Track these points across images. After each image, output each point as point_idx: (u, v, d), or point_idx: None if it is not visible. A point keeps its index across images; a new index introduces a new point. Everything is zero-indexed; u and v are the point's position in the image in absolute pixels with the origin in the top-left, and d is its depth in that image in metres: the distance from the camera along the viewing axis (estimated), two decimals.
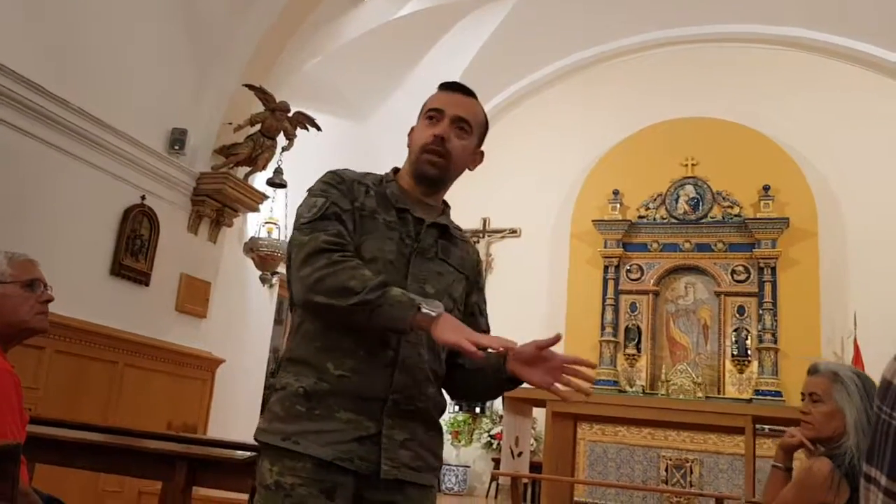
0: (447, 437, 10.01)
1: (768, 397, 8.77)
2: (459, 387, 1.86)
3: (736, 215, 9.69)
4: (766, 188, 9.58)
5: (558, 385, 1.67)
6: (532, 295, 10.19)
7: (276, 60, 7.20)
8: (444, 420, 9.96)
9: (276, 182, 7.41)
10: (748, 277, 9.49)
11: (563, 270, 10.24)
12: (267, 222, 7.67)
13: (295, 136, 7.15)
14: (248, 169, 7.08)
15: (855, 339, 8.64)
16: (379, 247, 1.71)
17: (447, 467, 9.81)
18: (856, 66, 9.65)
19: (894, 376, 0.81)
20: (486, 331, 1.86)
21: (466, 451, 10.07)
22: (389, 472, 1.61)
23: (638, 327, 9.70)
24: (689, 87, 10.18)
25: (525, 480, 8.00)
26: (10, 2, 5.09)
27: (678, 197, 10.01)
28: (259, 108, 6.90)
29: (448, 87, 1.88)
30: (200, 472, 3.13)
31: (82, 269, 5.74)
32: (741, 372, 9.24)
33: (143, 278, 6.30)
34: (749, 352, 9.26)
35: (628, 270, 9.93)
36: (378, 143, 9.00)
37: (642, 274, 9.88)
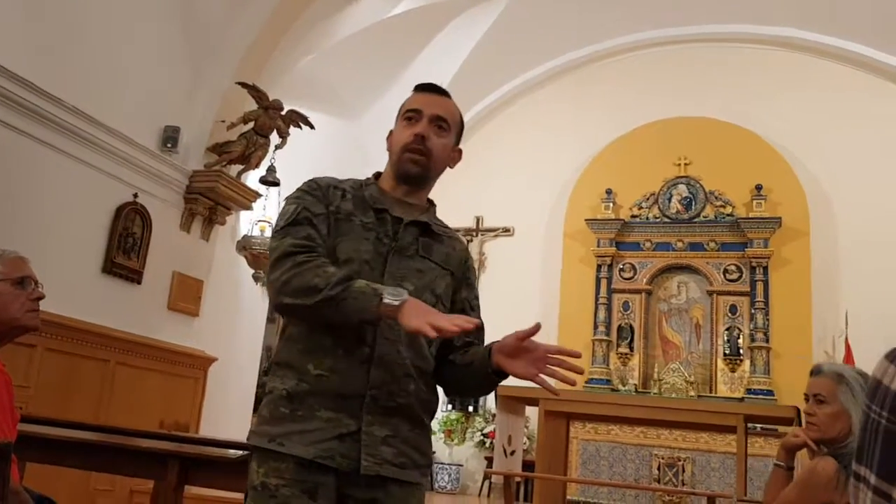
0: (440, 436, 10.01)
1: (760, 396, 8.80)
2: (450, 382, 1.87)
3: (728, 215, 9.72)
4: (759, 188, 9.61)
5: (543, 376, 1.66)
6: (525, 294, 10.19)
7: (270, 58, 7.19)
8: (437, 418, 9.96)
9: (270, 180, 7.40)
10: (740, 277, 9.52)
11: (555, 269, 10.25)
12: (260, 220, 7.66)
13: (288, 134, 7.14)
14: (241, 167, 7.07)
15: (846, 339, 8.68)
16: (354, 247, 1.75)
17: (440, 466, 9.82)
18: (847, 66, 9.68)
19: (884, 376, 0.81)
20: (481, 326, 1.86)
21: (459, 449, 10.07)
22: (370, 468, 1.63)
23: (630, 326, 9.72)
24: (682, 86, 10.20)
25: (518, 479, 8.00)
26: (5, 0, 5.08)
27: (671, 196, 10.04)
28: (252, 105, 6.89)
29: (424, 88, 1.91)
30: (192, 470, 3.13)
31: (74, 267, 5.73)
32: (733, 371, 9.27)
33: (135, 276, 6.28)
34: (741, 351, 9.29)
35: (621, 269, 9.94)
36: (371, 142, 8.98)
37: (635, 273, 9.90)
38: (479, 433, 9.92)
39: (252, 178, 7.41)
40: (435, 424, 9.97)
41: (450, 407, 10.18)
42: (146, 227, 6.37)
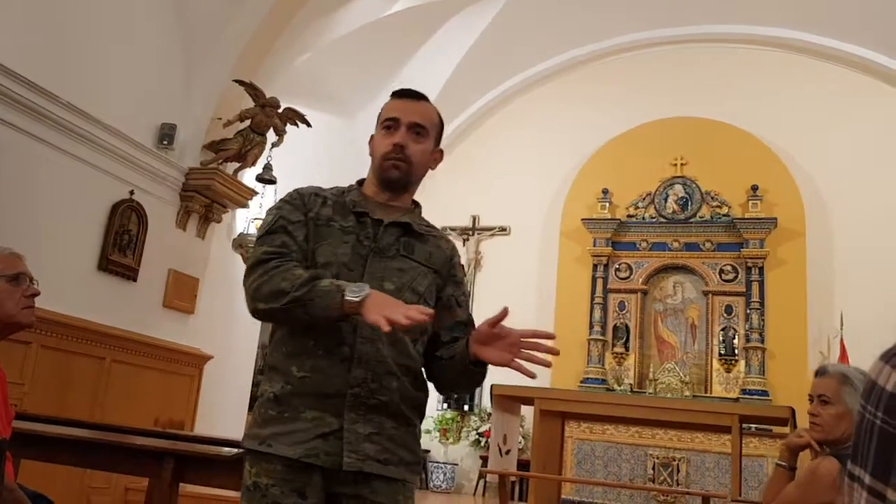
0: (435, 435, 10.01)
1: (755, 396, 8.82)
2: (438, 378, 1.90)
3: (724, 215, 9.74)
4: (755, 188, 9.63)
5: (519, 361, 1.69)
6: (521, 293, 10.19)
7: (266, 56, 7.18)
8: (433, 417, 9.97)
9: (266, 178, 7.39)
10: (736, 277, 9.54)
11: (552, 269, 10.26)
12: (256, 218, 7.65)
13: (285, 132, 7.13)
14: (238, 165, 7.06)
15: (841, 339, 8.70)
16: (333, 251, 1.80)
17: (435, 465, 9.82)
18: (843, 67, 9.71)
19: (879, 376, 0.82)
20: (467, 322, 1.89)
21: (454, 448, 10.08)
22: (353, 464, 1.67)
23: (626, 326, 9.74)
24: (679, 87, 10.22)
25: (513, 478, 8.01)
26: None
27: (667, 196, 10.05)
28: (249, 103, 6.88)
29: (400, 94, 1.95)
30: (187, 468, 3.12)
31: (69, 264, 5.71)
32: (728, 371, 9.29)
33: (130, 274, 6.27)
34: (736, 351, 9.31)
35: (617, 269, 9.96)
36: (367, 140, 8.98)
37: (631, 273, 9.91)
38: (475, 432, 9.92)
39: (248, 176, 7.40)
40: (430, 423, 9.97)
41: (445, 406, 10.19)
42: (142, 225, 6.36)
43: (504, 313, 1.69)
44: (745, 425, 6.32)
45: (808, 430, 2.48)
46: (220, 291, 7.42)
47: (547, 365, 1.69)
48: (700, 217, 9.85)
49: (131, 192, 6.24)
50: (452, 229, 10.75)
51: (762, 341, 9.18)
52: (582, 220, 10.10)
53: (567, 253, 10.23)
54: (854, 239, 9.21)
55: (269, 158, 7.28)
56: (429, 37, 9.44)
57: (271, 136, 7.08)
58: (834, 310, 9.01)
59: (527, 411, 7.78)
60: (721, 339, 9.42)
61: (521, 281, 10.30)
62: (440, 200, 10.79)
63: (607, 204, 10.13)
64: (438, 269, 1.90)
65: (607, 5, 9.78)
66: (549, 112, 10.79)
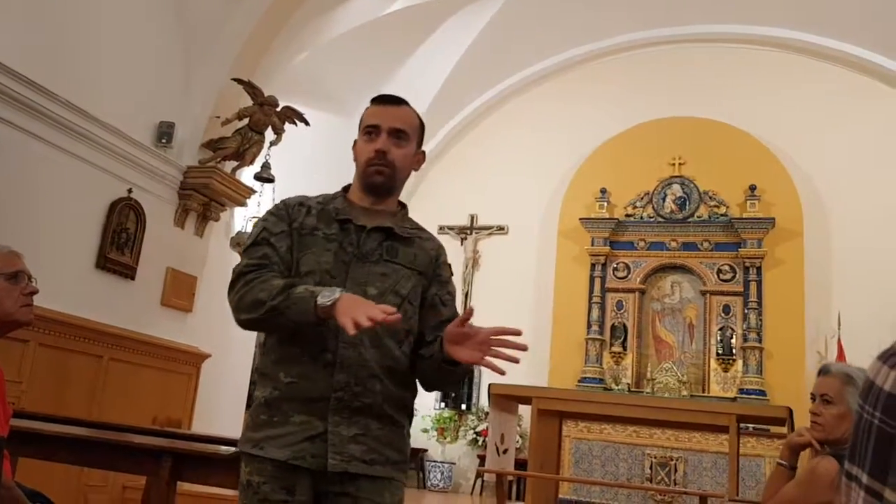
0: (433, 434, 10.02)
1: (752, 396, 8.82)
2: (420, 376, 1.94)
3: (722, 215, 9.75)
4: (753, 188, 9.63)
5: (489, 358, 1.73)
6: (519, 292, 10.21)
7: (265, 55, 7.17)
8: (430, 417, 9.97)
9: (264, 176, 7.39)
10: (734, 277, 9.55)
11: (550, 268, 10.26)
12: (254, 217, 7.65)
13: (283, 130, 7.13)
14: (236, 163, 7.05)
15: (839, 339, 8.72)
16: (316, 259, 1.86)
17: (432, 464, 9.83)
18: (841, 67, 9.72)
19: (877, 376, 0.82)
20: (451, 320, 1.89)
21: (452, 447, 10.08)
22: (337, 465, 1.75)
23: (624, 325, 9.74)
24: (677, 86, 10.22)
25: (510, 477, 8.01)
26: None
27: (665, 196, 10.06)
28: (247, 102, 6.87)
29: (379, 100, 1.99)
30: (185, 467, 3.12)
31: (67, 262, 5.71)
32: (726, 371, 9.30)
33: (128, 272, 6.27)
34: (734, 351, 9.32)
35: (615, 268, 9.96)
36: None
37: (629, 272, 9.92)
38: (472, 431, 9.93)
39: (247, 175, 7.40)
40: (428, 422, 9.98)
41: (443, 405, 10.19)
42: (140, 223, 6.35)
43: (469, 313, 1.72)
44: (742, 425, 6.32)
45: (808, 430, 2.47)
46: (218, 290, 7.37)
47: (515, 361, 1.72)
48: (698, 217, 9.86)
49: (129, 191, 6.24)
50: (450, 228, 10.76)
51: (760, 341, 9.19)
52: (580, 219, 10.10)
53: (565, 252, 10.23)
54: (852, 239, 9.23)
55: (268, 157, 7.28)
56: (427, 36, 9.44)
57: (269, 134, 7.08)
58: (831, 310, 9.02)
59: (524, 410, 7.78)
60: (719, 338, 9.43)
61: (518, 280, 10.31)
62: (438, 199, 10.81)
63: (605, 203, 10.14)
64: (423, 271, 1.95)
65: (606, 5, 9.78)
66: (547, 111, 10.80)
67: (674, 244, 9.82)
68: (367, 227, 1.90)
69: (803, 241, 9.44)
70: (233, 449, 3.05)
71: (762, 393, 8.91)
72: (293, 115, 7.15)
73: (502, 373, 1.75)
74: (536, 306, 10.11)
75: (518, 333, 1.73)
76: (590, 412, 6.70)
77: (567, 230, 10.27)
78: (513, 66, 10.67)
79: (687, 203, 9.95)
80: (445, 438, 10.08)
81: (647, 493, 7.80)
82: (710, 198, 9.87)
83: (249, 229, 7.55)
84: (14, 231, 5.01)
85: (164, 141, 6.54)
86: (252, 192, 7.38)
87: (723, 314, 9.50)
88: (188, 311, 6.96)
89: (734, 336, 9.36)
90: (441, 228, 10.63)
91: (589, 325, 9.76)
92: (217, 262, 7.33)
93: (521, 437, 8.78)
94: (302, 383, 1.78)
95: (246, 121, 6.88)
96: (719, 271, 9.62)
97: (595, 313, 9.77)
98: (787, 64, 9.94)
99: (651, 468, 7.78)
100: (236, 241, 7.46)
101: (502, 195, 10.72)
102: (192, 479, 3.27)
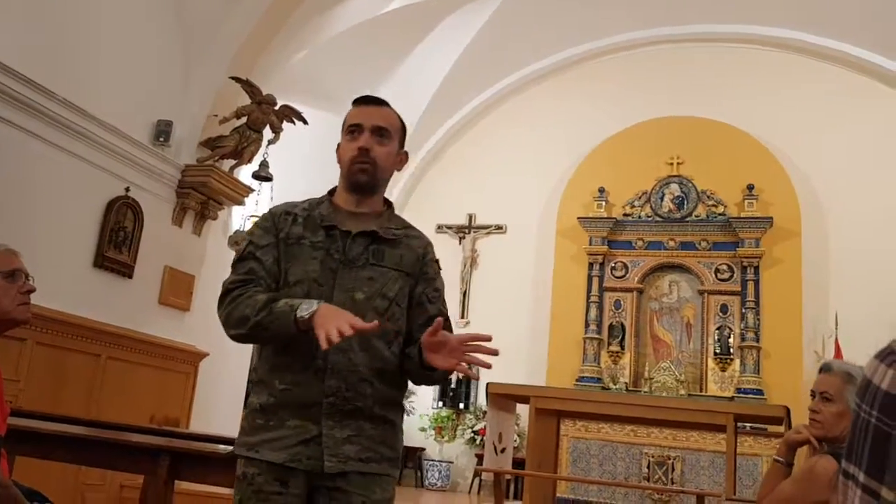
0: (431, 433, 10.02)
1: (750, 395, 8.83)
2: (408, 374, 1.97)
3: (720, 214, 9.75)
4: (751, 188, 9.64)
5: (463, 364, 1.80)
6: (517, 291, 10.21)
7: (263, 54, 7.17)
8: (428, 416, 9.98)
9: (262, 175, 7.38)
10: (731, 276, 9.55)
11: (548, 267, 10.26)
12: (252, 216, 7.65)
13: (281, 129, 7.12)
14: (234, 162, 7.05)
15: (836, 339, 8.73)
16: (303, 268, 1.90)
17: (430, 462, 9.83)
18: (840, 67, 9.73)
19: (874, 375, 0.82)
20: (438, 315, 1.92)
21: (450, 446, 10.08)
22: (334, 467, 1.80)
23: (622, 324, 9.74)
24: (676, 86, 10.22)
25: (508, 476, 8.02)
26: None
27: (663, 195, 10.06)
28: (245, 100, 6.87)
29: (362, 101, 2.03)
30: (183, 465, 3.12)
31: (65, 261, 5.70)
32: (723, 370, 9.30)
33: (126, 270, 6.26)
34: (731, 350, 9.33)
35: (613, 268, 9.96)
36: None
37: (627, 271, 9.92)
38: (470, 430, 9.93)
39: (245, 173, 7.39)
40: (426, 421, 9.98)
41: (441, 404, 10.19)
42: (138, 222, 6.35)
43: (438, 325, 1.77)
44: (739, 424, 6.32)
45: (807, 427, 2.47)
46: (215, 288, 7.29)
47: (487, 366, 1.81)
48: (696, 216, 9.86)
49: (127, 189, 6.23)
50: (448, 227, 10.76)
51: (757, 340, 9.19)
52: (578, 218, 10.10)
53: (563, 251, 10.23)
54: (849, 239, 9.24)
55: (266, 155, 7.27)
56: (426, 35, 9.44)
57: (268, 133, 7.07)
58: (829, 309, 9.04)
59: (522, 409, 7.79)
60: (716, 338, 9.44)
61: (517, 279, 10.31)
62: (437, 198, 10.81)
63: (603, 202, 10.14)
64: (410, 271, 1.98)
65: (604, 4, 9.79)
66: (545, 110, 10.80)
67: (672, 243, 9.82)
68: (353, 233, 1.93)
69: (801, 240, 9.45)
70: (230, 448, 3.05)
71: (759, 392, 8.92)
72: (291, 114, 7.15)
73: (475, 378, 1.84)
74: (534, 305, 10.12)
75: (488, 339, 1.79)
76: (587, 411, 6.70)
77: (565, 229, 10.27)
78: (511, 65, 10.67)
79: (685, 202, 9.96)
80: (443, 437, 10.08)
81: (644, 492, 7.81)
82: (708, 197, 9.88)
83: (247, 228, 7.55)
84: (11, 229, 5.00)
85: (162, 139, 6.53)
86: (250, 190, 7.37)
87: (720, 314, 9.51)
88: (186, 310, 6.96)
89: (732, 335, 9.37)
90: (439, 227, 10.63)
91: (587, 325, 9.76)
92: (215, 261, 7.33)
93: (518, 436, 8.79)
94: (295, 390, 1.84)
95: (244, 119, 6.87)
96: (717, 271, 9.63)
97: (593, 312, 9.78)
98: (786, 64, 9.95)
99: (648, 467, 7.78)
100: (234, 240, 7.45)
101: (501, 194, 10.72)
102: (190, 477, 3.27)
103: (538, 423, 6.23)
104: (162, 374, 6.60)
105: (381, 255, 1.94)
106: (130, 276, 6.30)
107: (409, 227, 2.05)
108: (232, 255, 7.51)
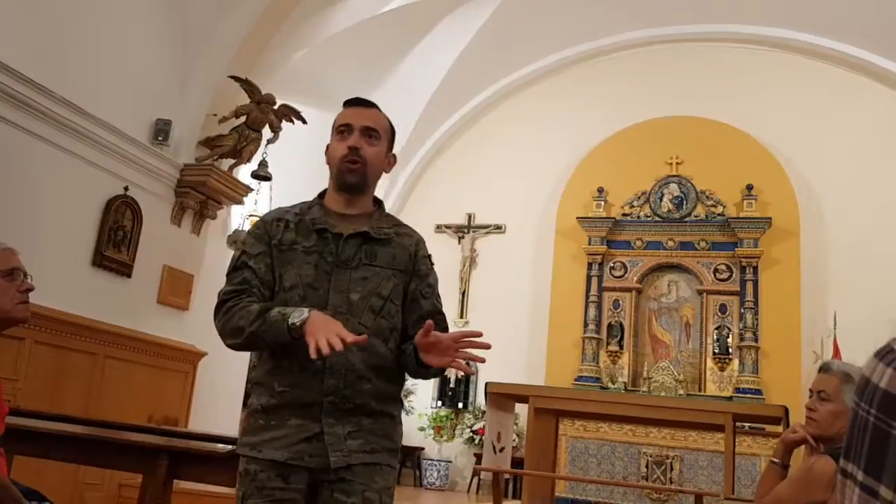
0: (429, 433, 10.02)
1: (749, 395, 8.83)
2: (405, 368, 2.01)
3: (719, 214, 9.75)
4: (750, 188, 9.64)
5: (458, 360, 1.85)
6: (516, 291, 10.21)
7: (262, 53, 7.17)
8: (427, 415, 9.98)
9: (261, 174, 7.38)
10: (730, 276, 9.56)
11: (547, 267, 10.26)
12: (251, 215, 7.64)
13: (280, 128, 7.12)
14: (233, 161, 7.05)
15: (835, 339, 8.73)
16: (297, 273, 1.94)
17: (429, 462, 9.82)
18: (839, 67, 9.73)
19: (873, 373, 0.82)
20: (433, 311, 1.99)
21: (448, 446, 10.08)
22: (339, 461, 1.84)
23: (621, 324, 9.74)
24: (675, 85, 10.22)
25: (507, 476, 8.02)
26: None
27: (662, 195, 10.06)
28: (244, 100, 6.87)
29: (351, 102, 2.09)
30: (182, 465, 3.12)
31: (64, 260, 5.70)
32: (722, 370, 9.31)
33: (125, 270, 6.26)
34: (730, 350, 9.33)
35: (612, 268, 9.96)
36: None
37: (626, 271, 9.92)
38: (469, 430, 9.92)
39: (244, 173, 7.39)
40: (425, 421, 9.98)
41: (440, 403, 10.19)
42: (136, 221, 6.34)
43: (429, 326, 1.81)
44: (738, 424, 6.32)
45: (803, 426, 2.47)
46: (214, 288, 7.32)
47: (481, 360, 1.84)
48: (695, 216, 9.86)
49: (126, 188, 6.23)
50: (447, 227, 10.76)
51: (756, 340, 9.20)
52: (577, 218, 10.10)
53: (562, 251, 10.23)
54: (848, 239, 9.24)
55: (265, 155, 7.27)
56: (425, 34, 9.44)
57: (267, 132, 7.07)
58: (827, 309, 9.04)
59: (521, 409, 7.79)
60: (715, 337, 9.44)
61: (516, 279, 10.31)
62: (436, 198, 10.81)
63: (602, 202, 10.14)
64: (403, 269, 2.01)
65: (604, 4, 9.78)
66: (545, 110, 10.80)
67: (671, 243, 9.82)
68: (345, 235, 1.96)
69: (800, 240, 9.45)
70: (229, 447, 3.05)
71: (758, 392, 8.92)
72: (290, 113, 7.15)
73: (471, 373, 1.85)
74: (533, 305, 10.12)
75: (479, 336, 1.83)
76: (586, 411, 6.71)
77: (564, 229, 10.27)
78: (511, 64, 10.67)
79: (684, 202, 9.96)
80: (442, 437, 10.07)
81: (643, 491, 7.81)
82: (707, 197, 9.88)
83: (246, 227, 7.54)
84: (10, 228, 5.00)
85: (161, 139, 6.53)
86: (249, 189, 7.37)
87: (719, 313, 9.51)
88: (185, 309, 6.96)
89: (730, 335, 9.37)
90: (438, 227, 10.63)
91: (586, 324, 9.76)
92: (214, 260, 7.33)
93: (517, 435, 8.79)
94: (295, 391, 1.87)
95: (243, 119, 6.87)
96: (716, 271, 9.63)
97: (592, 312, 9.78)
98: (786, 64, 9.95)
99: (647, 467, 7.79)
100: (233, 239, 7.45)
101: (500, 194, 10.71)
102: (189, 477, 3.27)
103: (537, 423, 6.23)
104: (161, 374, 6.60)
105: (373, 255, 1.97)
106: (129, 276, 6.30)
107: (399, 224, 2.09)
108: (231, 254, 7.50)
